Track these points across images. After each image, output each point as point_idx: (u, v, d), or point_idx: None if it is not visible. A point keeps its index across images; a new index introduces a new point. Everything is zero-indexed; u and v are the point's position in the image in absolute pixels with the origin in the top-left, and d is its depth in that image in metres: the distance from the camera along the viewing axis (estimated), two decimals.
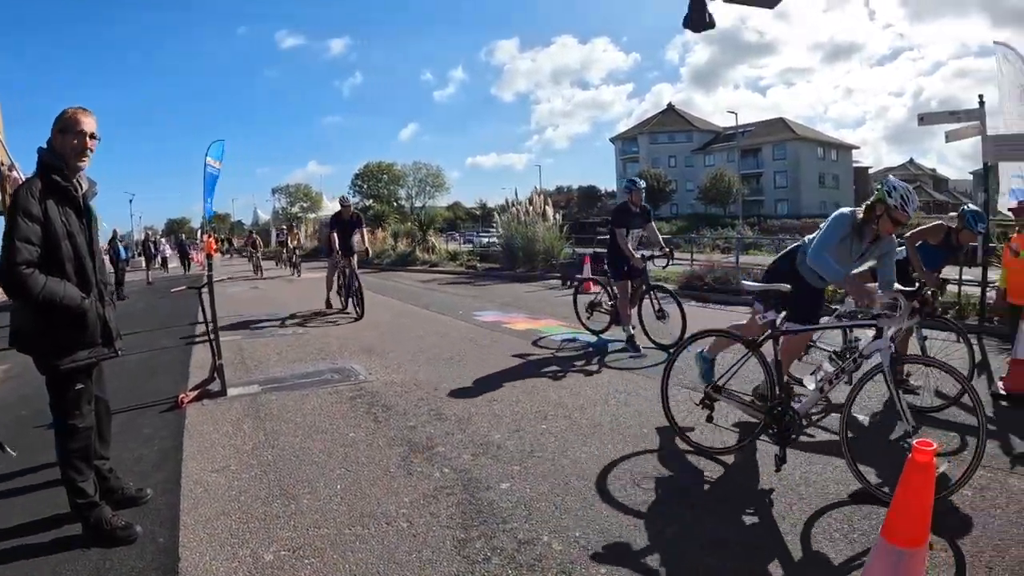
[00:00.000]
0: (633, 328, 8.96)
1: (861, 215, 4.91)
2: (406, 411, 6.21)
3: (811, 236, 5.39)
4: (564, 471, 4.66)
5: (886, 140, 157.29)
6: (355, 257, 13.34)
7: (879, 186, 4.79)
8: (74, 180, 3.76)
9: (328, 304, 13.90)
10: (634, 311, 9.13)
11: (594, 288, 10.45)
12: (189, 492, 4.45)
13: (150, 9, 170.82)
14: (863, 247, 5.04)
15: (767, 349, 4.82)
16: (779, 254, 5.78)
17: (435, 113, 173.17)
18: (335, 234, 13.15)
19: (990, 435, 5.17)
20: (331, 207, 67.56)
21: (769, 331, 4.74)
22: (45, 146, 3.73)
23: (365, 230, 14.46)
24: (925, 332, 6.64)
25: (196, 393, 6.88)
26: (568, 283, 17.96)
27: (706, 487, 4.46)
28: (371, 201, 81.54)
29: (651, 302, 8.97)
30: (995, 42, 11.09)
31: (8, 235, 3.47)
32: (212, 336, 7.27)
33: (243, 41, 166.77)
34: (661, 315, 8.87)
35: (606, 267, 9.59)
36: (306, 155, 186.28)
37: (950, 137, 11.04)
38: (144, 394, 7.11)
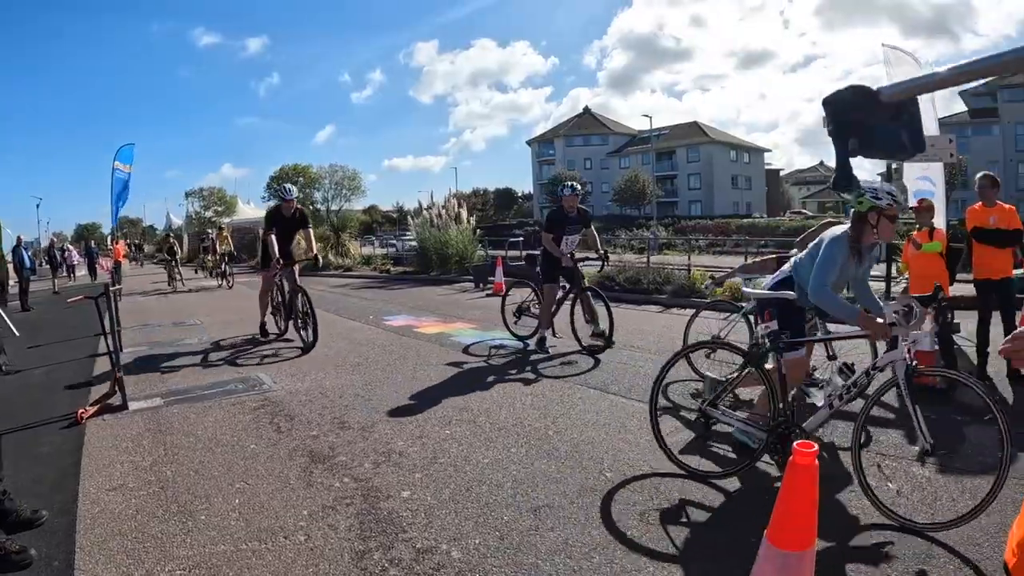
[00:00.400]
0: (556, 335, 9.21)
1: (853, 232, 4.48)
2: (309, 420, 6.17)
3: (798, 253, 5.32)
4: (466, 477, 4.70)
5: (797, 143, 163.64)
6: (298, 266, 10.74)
7: (860, 196, 4.41)
8: None
9: (263, 331, 10.78)
10: (567, 314, 9.20)
11: (521, 291, 10.32)
12: (86, 512, 4.33)
13: (56, 5, 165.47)
14: (863, 265, 4.72)
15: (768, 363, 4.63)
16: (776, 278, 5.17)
17: (353, 115, 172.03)
18: (273, 237, 10.20)
19: (895, 424, 5.55)
20: (246, 211, 66.08)
21: (770, 343, 4.55)
22: None
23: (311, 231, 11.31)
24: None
25: (96, 408, 6.69)
26: (479, 285, 18.07)
27: (608, 487, 4.52)
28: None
29: (582, 305, 9.01)
30: (883, 45, 11.40)
31: None
32: (113, 347, 7.09)
33: (157, 39, 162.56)
34: (591, 319, 8.92)
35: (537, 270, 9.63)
36: (220, 158, 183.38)
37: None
38: (44, 410, 6.86)
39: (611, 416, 6.07)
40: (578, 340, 8.93)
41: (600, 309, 8.88)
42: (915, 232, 7.96)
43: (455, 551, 3.68)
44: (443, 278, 21.05)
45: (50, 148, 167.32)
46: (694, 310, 7.94)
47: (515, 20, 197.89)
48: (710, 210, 76.76)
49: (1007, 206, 7.39)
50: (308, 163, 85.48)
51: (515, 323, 9.75)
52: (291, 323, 10.27)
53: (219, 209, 75.65)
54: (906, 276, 8.60)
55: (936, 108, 11.28)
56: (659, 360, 7.71)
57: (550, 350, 8.88)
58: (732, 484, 4.53)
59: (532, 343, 9.32)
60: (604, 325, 8.81)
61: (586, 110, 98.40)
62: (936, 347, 6.93)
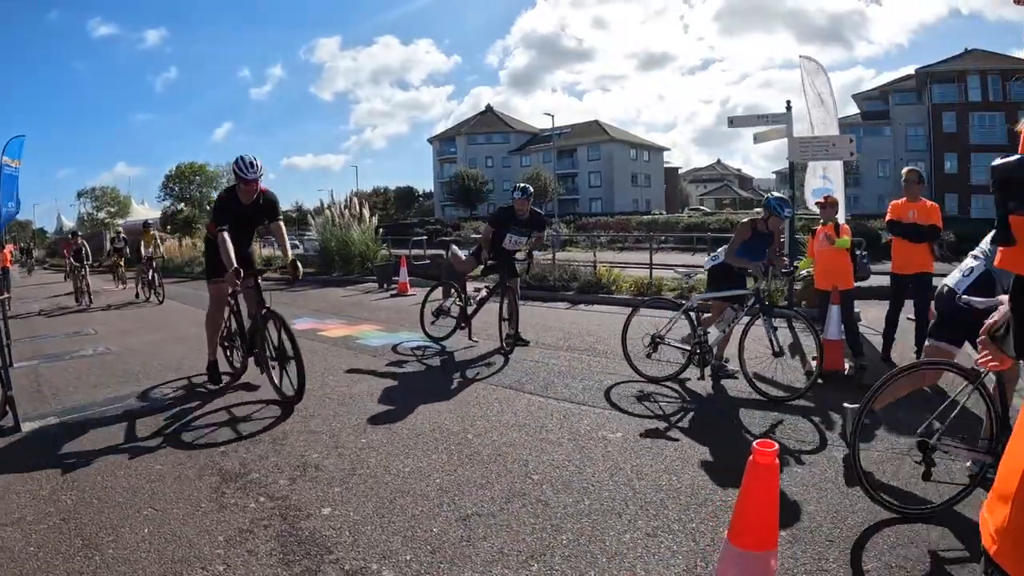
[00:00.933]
0: (473, 339, 9.35)
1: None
2: (216, 435, 5.86)
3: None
4: (388, 489, 4.54)
5: (695, 142, 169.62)
6: (260, 277, 7.50)
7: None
8: None
9: (213, 373, 7.81)
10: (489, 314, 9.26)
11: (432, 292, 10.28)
12: None
13: None
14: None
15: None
16: None
17: (251, 111, 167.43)
18: (227, 235, 6.82)
19: (810, 412, 5.82)
20: (141, 212, 63.91)
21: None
22: None
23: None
24: (776, 323, 6.97)
25: None
26: (383, 285, 17.85)
27: (536, 490, 4.43)
28: (183, 204, 77.95)
29: (506, 303, 8.95)
30: (800, 56, 12.03)
31: None
32: (3, 364, 6.61)
33: (52, 28, 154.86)
34: (509, 317, 8.89)
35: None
36: (115, 156, 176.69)
37: (758, 139, 11.84)
38: None
39: (529, 416, 6.04)
40: (501, 339, 8.88)
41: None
42: (819, 228, 8.35)
43: (386, 570, 3.52)
44: (346, 279, 20.75)
45: None
46: (631, 308, 7.86)
47: (419, 18, 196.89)
48: (611, 207, 77.83)
49: (929, 203, 7.77)
50: (205, 161, 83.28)
51: (432, 323, 9.62)
52: (251, 358, 7.51)
53: (112, 210, 73.19)
54: (810, 270, 8.86)
55: (836, 110, 11.80)
56: (572, 357, 7.71)
57: (465, 352, 8.74)
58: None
59: (445, 344, 9.23)
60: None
61: (488, 108, 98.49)
62: (843, 336, 7.50)
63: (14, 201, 19.03)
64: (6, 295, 11.07)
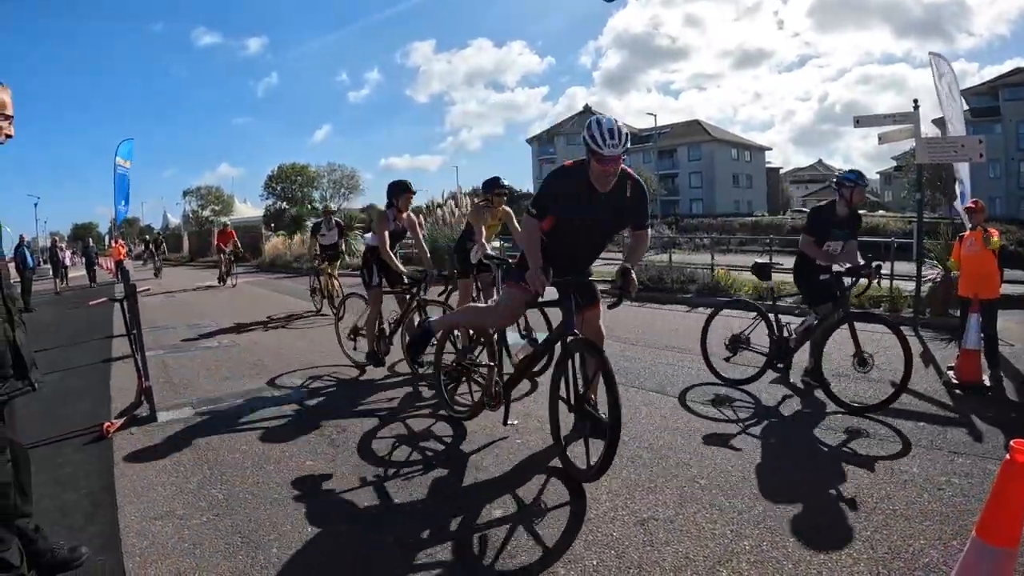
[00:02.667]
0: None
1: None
2: (363, 428, 5.71)
3: None
4: (559, 490, 4.21)
5: (793, 142, 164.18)
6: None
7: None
8: None
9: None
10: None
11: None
12: (133, 547, 3.77)
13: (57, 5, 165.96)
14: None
15: None
16: None
17: (349, 114, 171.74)
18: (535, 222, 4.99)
19: (957, 423, 5.50)
20: (244, 210, 65.69)
21: None
22: None
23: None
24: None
25: (123, 420, 6.18)
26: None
27: (706, 494, 4.04)
28: (285, 204, 79.93)
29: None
30: (930, 53, 11.41)
31: None
32: (137, 354, 6.56)
33: (158, 38, 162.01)
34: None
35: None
36: (218, 157, 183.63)
37: (883, 139, 11.41)
38: (61, 423, 6.27)
39: (678, 420, 5.76)
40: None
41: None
42: (966, 233, 7.90)
43: (574, 575, 3.29)
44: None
45: (47, 147, 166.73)
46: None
47: (511, 20, 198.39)
48: (711, 208, 76.48)
49: None
50: (306, 162, 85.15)
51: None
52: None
53: (216, 208, 75.46)
54: (955, 274, 8.41)
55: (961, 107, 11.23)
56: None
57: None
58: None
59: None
60: None
61: (586, 108, 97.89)
62: (981, 345, 6.98)
63: (125, 199, 19.74)
64: (147, 288, 11.07)
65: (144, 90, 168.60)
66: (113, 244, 25.09)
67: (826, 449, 5.04)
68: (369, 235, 8.99)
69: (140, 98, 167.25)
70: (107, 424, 6.00)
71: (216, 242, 24.42)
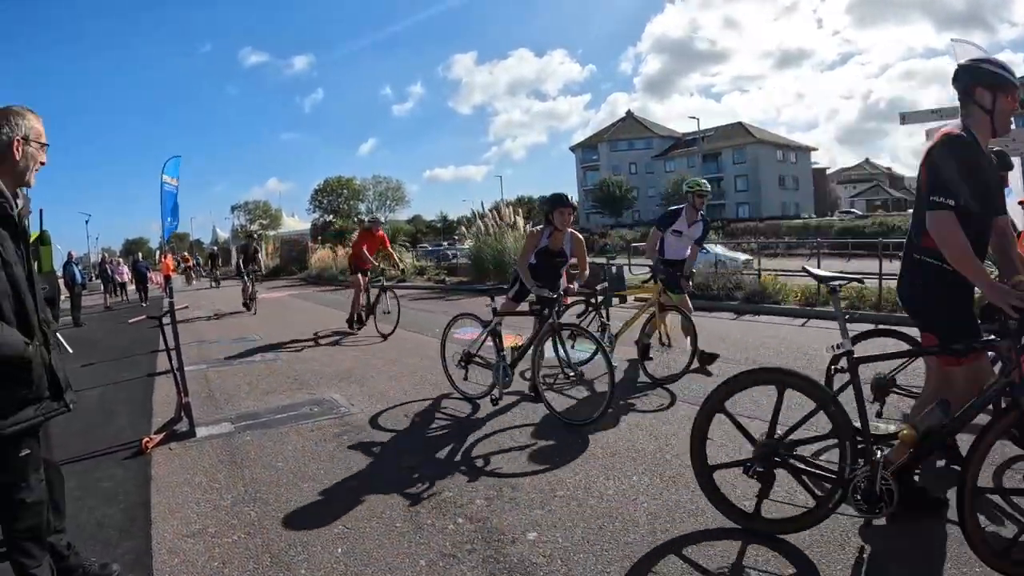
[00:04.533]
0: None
1: None
2: (400, 449, 5.58)
3: None
4: (594, 512, 4.08)
5: (839, 141, 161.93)
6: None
7: None
8: (9, 196, 2.99)
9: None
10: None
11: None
12: (163, 565, 3.75)
13: (101, 19, 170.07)
14: None
15: None
16: None
17: (394, 127, 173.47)
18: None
19: None
20: (291, 223, 66.66)
21: None
22: None
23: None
24: None
25: (162, 436, 6.19)
26: None
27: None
28: (332, 216, 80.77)
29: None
30: (952, 40, 11.03)
31: None
32: (177, 369, 6.57)
33: (207, 59, 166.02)
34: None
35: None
36: (265, 172, 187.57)
37: (931, 135, 10.90)
38: (102, 438, 6.34)
39: (724, 435, 5.22)
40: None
41: None
42: None
43: None
44: (501, 287, 20.22)
45: (99, 165, 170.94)
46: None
47: (551, 30, 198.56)
48: (758, 212, 75.68)
49: None
50: (352, 175, 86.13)
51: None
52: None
53: (264, 222, 76.67)
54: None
55: None
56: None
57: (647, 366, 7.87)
58: None
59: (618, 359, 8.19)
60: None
61: (628, 114, 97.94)
62: None
63: (173, 216, 20.04)
64: (185, 306, 11.17)
65: (194, 109, 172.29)
66: (163, 259, 25.44)
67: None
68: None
69: (191, 117, 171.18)
70: (146, 439, 6.02)
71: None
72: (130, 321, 7.63)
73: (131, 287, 27.98)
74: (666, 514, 3.98)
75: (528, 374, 6.91)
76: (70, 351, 11.49)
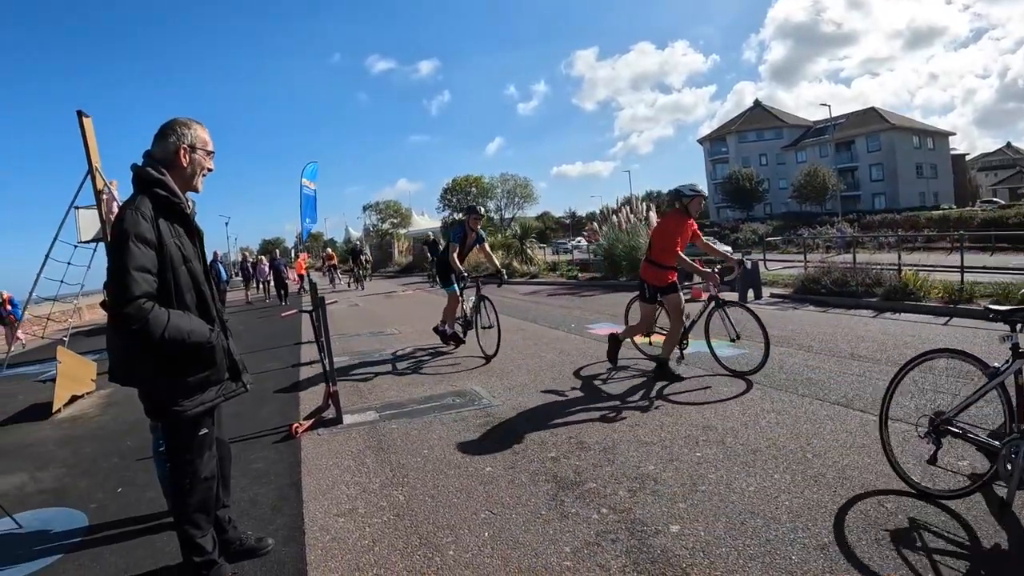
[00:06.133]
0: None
1: None
2: (543, 440, 5.66)
3: None
4: (735, 508, 4.07)
5: (976, 125, 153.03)
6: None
7: None
8: (183, 197, 3.32)
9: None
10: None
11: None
12: (315, 541, 4.02)
13: (241, 41, 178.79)
14: None
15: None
16: None
17: (520, 126, 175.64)
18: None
19: None
20: (421, 222, 68.02)
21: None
22: (147, 161, 3.29)
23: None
24: None
25: (310, 422, 6.53)
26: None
27: (892, 520, 3.74)
28: (461, 215, 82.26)
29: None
30: None
31: (120, 264, 2.97)
32: (326, 360, 6.89)
33: (336, 69, 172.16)
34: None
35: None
36: (395, 173, 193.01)
37: None
38: (252, 423, 6.83)
39: (865, 436, 5.21)
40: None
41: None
42: None
43: None
44: (633, 283, 20.08)
45: (239, 171, 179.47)
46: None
47: (671, 21, 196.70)
48: (895, 203, 72.39)
49: None
50: (479, 174, 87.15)
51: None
52: None
53: (395, 221, 78.49)
54: None
55: None
56: (893, 371, 6.82)
57: (779, 363, 7.81)
58: None
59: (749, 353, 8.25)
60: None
61: (756, 103, 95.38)
62: None
63: (311, 217, 21.00)
64: (334, 300, 11.73)
65: (326, 116, 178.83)
66: (297, 258, 26.46)
67: None
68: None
69: (323, 123, 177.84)
70: (295, 425, 6.38)
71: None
72: (282, 315, 8.05)
73: (271, 284, 28.12)
74: (807, 513, 3.93)
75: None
76: None
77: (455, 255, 10.17)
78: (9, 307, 15.96)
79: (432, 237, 33.35)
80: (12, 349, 15.40)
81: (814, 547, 3.53)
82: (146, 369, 3.14)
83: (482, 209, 10.28)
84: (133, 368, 3.18)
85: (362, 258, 31.14)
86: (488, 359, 9.32)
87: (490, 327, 9.68)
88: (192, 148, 3.35)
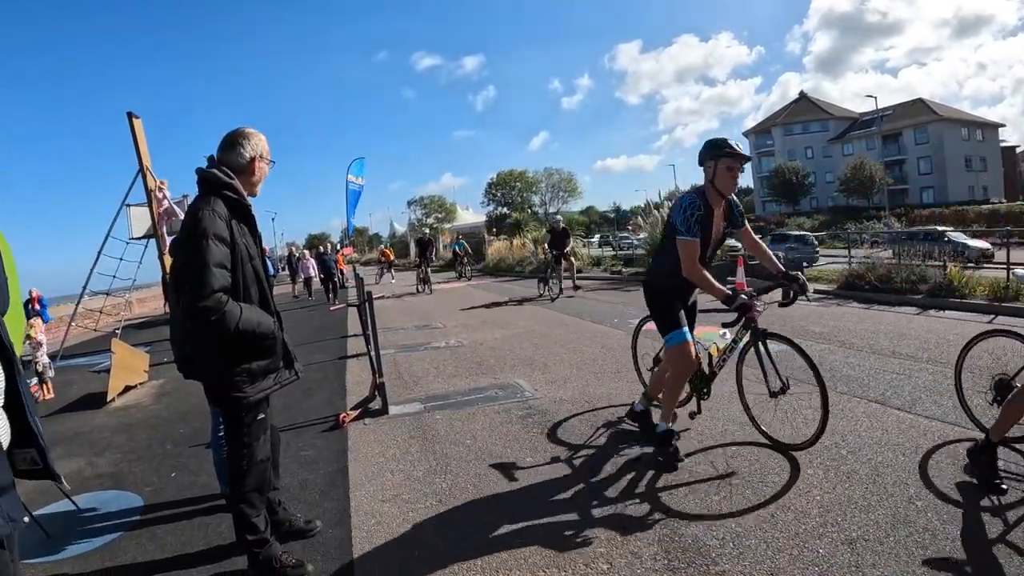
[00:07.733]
0: None
1: None
2: (583, 433, 5.82)
3: None
4: (767, 501, 4.21)
5: None
6: None
7: None
8: (248, 200, 3.64)
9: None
10: None
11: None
12: (360, 524, 4.25)
13: (290, 42, 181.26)
14: None
15: None
16: None
17: (564, 120, 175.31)
18: None
19: None
20: (466, 216, 68.32)
21: None
22: (213, 166, 3.56)
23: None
24: None
25: (357, 412, 6.76)
26: None
27: (921, 517, 3.83)
28: (506, 208, 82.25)
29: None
30: None
31: (199, 260, 3.24)
32: (373, 352, 7.14)
33: (382, 66, 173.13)
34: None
35: None
36: (440, 168, 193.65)
37: None
38: (301, 413, 7.11)
39: (900, 435, 5.27)
40: None
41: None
42: None
43: None
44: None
45: (286, 168, 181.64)
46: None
47: (714, 13, 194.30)
48: (944, 197, 71.01)
49: None
50: (524, 168, 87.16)
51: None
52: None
53: (440, 215, 78.92)
54: None
55: None
56: (935, 370, 6.80)
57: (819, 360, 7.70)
58: None
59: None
60: None
61: (802, 95, 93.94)
62: None
63: (352, 212, 21.32)
64: (381, 295, 11.94)
65: (373, 112, 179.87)
66: (339, 253, 26.47)
67: None
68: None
69: (369, 120, 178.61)
70: (343, 414, 6.65)
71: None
72: (331, 308, 8.28)
73: (316, 280, 26.61)
74: (838, 508, 4.03)
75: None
76: None
77: (693, 257, 4.91)
78: (38, 306, 16.11)
79: (427, 236, 31.01)
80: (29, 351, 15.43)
81: (841, 541, 3.63)
82: (216, 359, 3.40)
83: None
84: (206, 359, 3.45)
85: (431, 252, 27.62)
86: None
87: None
88: (261, 157, 3.67)
